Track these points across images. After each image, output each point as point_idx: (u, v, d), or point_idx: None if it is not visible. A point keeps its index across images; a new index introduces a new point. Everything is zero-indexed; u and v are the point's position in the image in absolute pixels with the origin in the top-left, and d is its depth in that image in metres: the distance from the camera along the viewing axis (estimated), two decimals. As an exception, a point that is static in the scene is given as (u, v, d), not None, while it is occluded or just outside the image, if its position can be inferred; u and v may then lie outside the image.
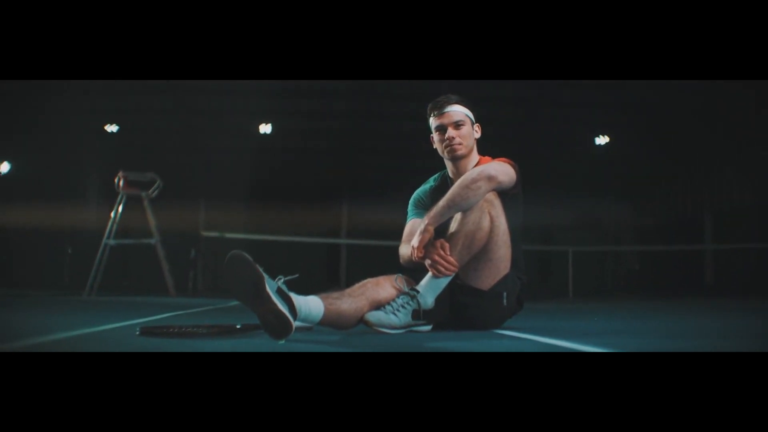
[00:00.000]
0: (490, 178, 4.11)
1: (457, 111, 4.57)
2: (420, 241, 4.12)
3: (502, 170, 4.21)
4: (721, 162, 21.96)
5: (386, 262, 5.42)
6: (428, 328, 4.22)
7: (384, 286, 4.22)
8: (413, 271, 4.33)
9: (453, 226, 4.21)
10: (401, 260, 4.58)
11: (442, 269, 4.09)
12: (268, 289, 3.38)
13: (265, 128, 20.37)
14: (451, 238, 4.16)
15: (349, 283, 4.26)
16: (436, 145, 4.70)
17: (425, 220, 4.18)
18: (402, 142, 21.50)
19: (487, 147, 4.71)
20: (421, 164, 4.68)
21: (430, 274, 4.15)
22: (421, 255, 4.13)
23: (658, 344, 3.49)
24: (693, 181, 23.54)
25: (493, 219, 4.17)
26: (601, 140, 21.90)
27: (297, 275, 3.66)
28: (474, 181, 4.09)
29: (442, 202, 4.14)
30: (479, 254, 4.22)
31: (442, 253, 4.09)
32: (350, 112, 20.23)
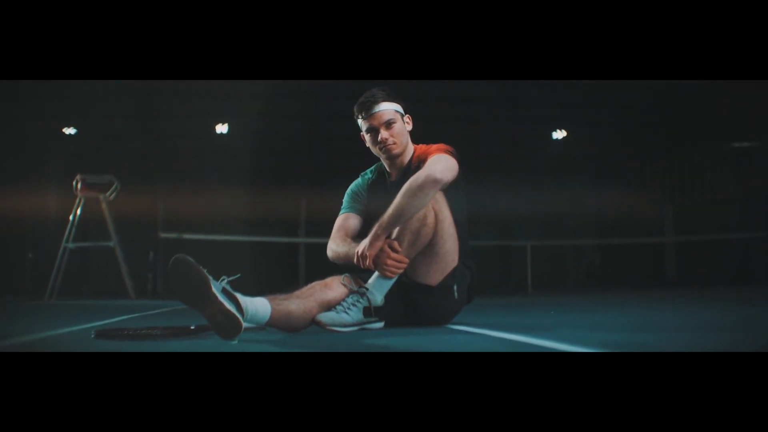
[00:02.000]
0: (435, 182, 4.07)
1: (386, 110, 4.51)
2: (372, 249, 4.13)
3: (446, 167, 4.18)
4: (681, 155, 22.12)
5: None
6: (380, 325, 4.23)
7: (332, 287, 4.22)
8: (358, 270, 4.33)
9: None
10: (332, 257, 4.56)
11: (394, 270, 4.12)
12: (214, 289, 3.39)
13: (222, 128, 20.27)
14: (396, 236, 4.16)
15: (309, 283, 4.27)
16: (369, 146, 4.66)
17: (375, 229, 4.16)
18: (360, 142, 21.48)
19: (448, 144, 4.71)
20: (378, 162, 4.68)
21: (377, 271, 4.17)
22: (370, 264, 4.14)
23: (610, 338, 3.53)
24: (653, 174, 23.65)
25: (437, 213, 4.17)
26: (559, 134, 21.94)
27: (240, 275, 3.68)
28: (421, 188, 4.06)
29: (391, 211, 4.11)
30: (425, 250, 4.22)
31: (393, 255, 4.11)
32: (308, 112, 20.15)
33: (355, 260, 4.22)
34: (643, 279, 21.01)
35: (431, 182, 4.07)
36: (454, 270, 4.38)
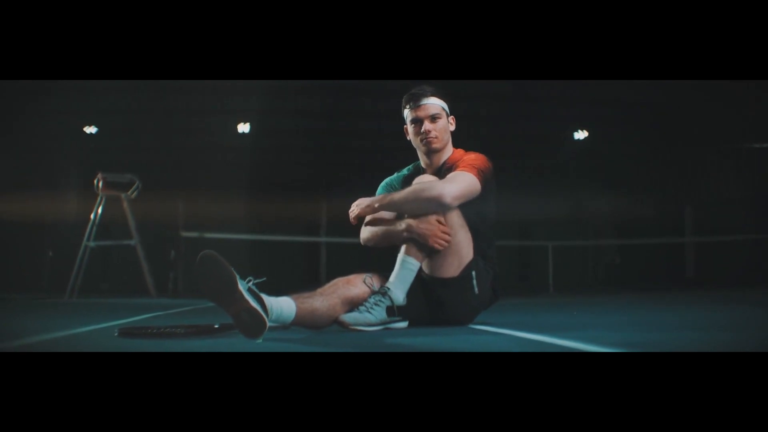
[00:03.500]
0: (441, 205, 4.20)
1: (434, 104, 4.57)
2: (364, 211, 4.48)
3: (462, 193, 4.25)
4: (701, 155, 22.04)
5: (366, 259, 5.46)
6: (404, 324, 4.23)
7: (355, 284, 4.26)
8: (382, 269, 4.36)
9: (405, 220, 4.31)
10: (368, 237, 4.62)
11: (443, 242, 4.22)
12: (240, 287, 3.39)
13: (243, 128, 20.30)
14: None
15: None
16: (411, 137, 4.70)
17: (380, 199, 4.42)
18: (380, 140, 21.52)
19: (466, 143, 4.72)
20: (404, 160, 4.74)
21: (397, 269, 4.24)
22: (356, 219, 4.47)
23: (637, 337, 3.51)
24: (673, 174, 23.59)
25: None
26: (580, 135, 21.91)
27: (265, 278, 3.67)
28: (428, 201, 4.21)
29: (396, 198, 4.34)
30: None
31: (442, 227, 4.21)
32: (328, 110, 20.19)
33: (350, 210, 4.53)
34: (663, 279, 20.94)
35: (437, 204, 4.20)
36: (471, 263, 4.39)
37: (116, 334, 3.74)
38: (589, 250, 26.46)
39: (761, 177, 19.28)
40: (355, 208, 4.50)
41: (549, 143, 23.30)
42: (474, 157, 4.47)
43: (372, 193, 4.84)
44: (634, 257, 24.29)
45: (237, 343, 3.29)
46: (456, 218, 4.28)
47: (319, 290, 4.12)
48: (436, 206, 4.18)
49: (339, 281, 4.25)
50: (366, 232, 4.61)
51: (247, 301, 3.38)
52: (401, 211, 4.32)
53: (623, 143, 23.28)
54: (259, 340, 3.35)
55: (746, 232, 18.19)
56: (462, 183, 4.25)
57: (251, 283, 3.54)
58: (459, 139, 4.79)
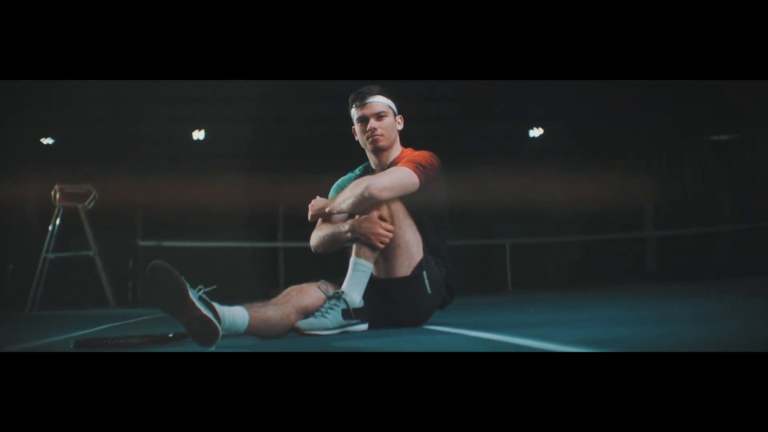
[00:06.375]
0: (371, 197, 4.24)
1: (380, 102, 4.61)
2: (311, 211, 4.60)
3: (392, 185, 4.30)
4: (660, 149, 22.17)
5: (326, 263, 5.47)
6: (364, 327, 4.25)
7: (308, 293, 4.27)
8: (342, 275, 4.37)
9: (348, 222, 4.40)
10: (316, 244, 4.66)
11: (384, 239, 4.25)
12: (191, 296, 3.40)
13: (198, 134, 20.18)
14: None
15: (288, 287, 4.32)
16: (358, 137, 4.75)
17: (328, 205, 4.51)
18: (339, 144, 21.48)
19: (422, 144, 4.75)
20: (359, 164, 4.81)
21: (350, 272, 4.26)
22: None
23: (589, 334, 3.51)
24: (631, 170, 23.69)
25: (388, 206, 4.30)
26: (536, 132, 21.93)
27: (215, 286, 3.68)
28: (356, 196, 4.29)
29: (337, 200, 4.43)
30: (388, 245, 4.31)
31: (382, 224, 4.25)
32: (285, 115, 20.11)
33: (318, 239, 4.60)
34: (623, 274, 21.03)
35: (366, 196, 4.26)
36: (421, 261, 4.43)
37: (72, 347, 3.75)
38: (548, 248, 26.49)
39: (720, 170, 19.42)
40: (310, 209, 4.59)
41: (507, 142, 23.34)
42: (417, 154, 4.54)
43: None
44: (594, 253, 24.37)
45: (190, 351, 3.29)
46: (402, 217, 4.32)
47: (273, 300, 4.13)
48: (367, 199, 4.24)
49: (292, 290, 4.27)
50: (314, 239, 4.65)
51: (198, 310, 3.39)
52: (343, 210, 4.41)
53: (581, 140, 23.36)
54: (212, 349, 3.36)
55: (706, 225, 18.33)
56: (392, 175, 4.32)
57: (202, 291, 3.54)
58: (417, 139, 4.83)
